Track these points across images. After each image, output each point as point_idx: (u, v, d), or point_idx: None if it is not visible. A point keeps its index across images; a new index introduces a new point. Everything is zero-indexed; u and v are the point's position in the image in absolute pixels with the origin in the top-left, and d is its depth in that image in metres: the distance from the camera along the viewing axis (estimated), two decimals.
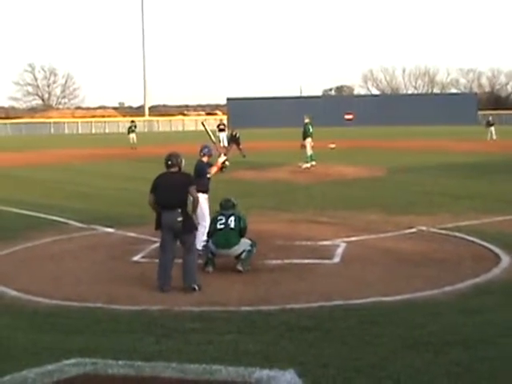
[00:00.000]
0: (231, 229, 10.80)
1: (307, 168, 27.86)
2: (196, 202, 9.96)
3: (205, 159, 12.21)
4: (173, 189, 9.69)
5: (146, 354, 6.55)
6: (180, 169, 10.04)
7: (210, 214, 11.64)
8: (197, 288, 9.56)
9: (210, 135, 12.94)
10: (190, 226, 9.84)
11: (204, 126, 13.18)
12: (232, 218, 10.88)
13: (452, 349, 6.74)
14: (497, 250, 11.58)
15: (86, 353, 6.52)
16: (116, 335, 7.52)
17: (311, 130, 28.98)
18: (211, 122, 78.63)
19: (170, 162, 9.94)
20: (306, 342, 7.10)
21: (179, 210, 9.63)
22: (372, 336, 7.23)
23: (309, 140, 28.77)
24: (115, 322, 8.12)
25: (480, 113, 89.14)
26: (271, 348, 6.87)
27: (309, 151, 28.62)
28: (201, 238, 11.15)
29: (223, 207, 11.21)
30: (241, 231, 10.86)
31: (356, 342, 7.07)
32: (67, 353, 6.48)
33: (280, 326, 7.72)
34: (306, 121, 29.35)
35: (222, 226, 10.82)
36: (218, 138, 39.90)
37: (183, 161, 10.11)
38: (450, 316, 8.13)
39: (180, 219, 9.60)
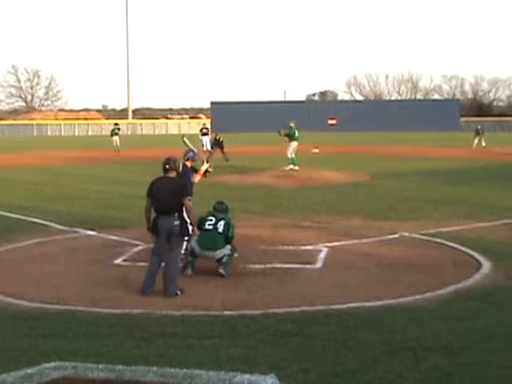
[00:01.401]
0: (219, 233, 10.75)
1: (291, 170, 27.90)
2: (189, 213, 9.93)
3: (189, 164, 12.20)
4: (170, 195, 9.66)
5: (127, 358, 6.52)
6: (178, 173, 10.06)
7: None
8: (179, 293, 9.55)
9: (190, 148, 12.76)
10: (184, 231, 9.87)
11: (185, 142, 13.08)
12: (222, 223, 10.84)
13: (433, 354, 6.76)
14: (478, 255, 11.65)
15: (66, 356, 6.48)
16: (97, 339, 7.47)
17: (297, 134, 29.09)
18: (194, 126, 78.78)
19: (167, 166, 9.87)
20: (287, 346, 7.09)
21: (176, 215, 9.66)
22: (353, 341, 7.24)
23: (294, 144, 28.87)
24: (96, 325, 8.07)
25: (463, 119, 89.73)
26: (252, 353, 6.86)
27: (290, 154, 28.68)
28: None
29: (216, 209, 11.21)
30: (227, 238, 10.82)
31: (337, 347, 7.08)
32: (47, 356, 6.44)
33: (261, 330, 7.71)
34: (291, 125, 29.46)
35: (211, 227, 10.77)
36: (200, 141, 39.91)
37: (180, 165, 10.15)
38: (430, 322, 8.15)
39: (177, 223, 9.64)
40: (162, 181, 9.90)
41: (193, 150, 12.59)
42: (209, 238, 10.68)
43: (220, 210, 11.18)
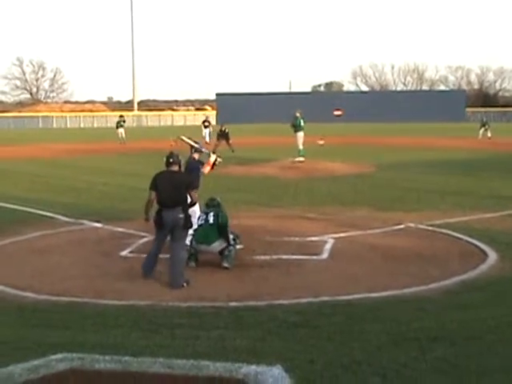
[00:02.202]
0: (210, 225, 10.79)
1: (299, 161, 27.86)
2: (194, 204, 10.07)
3: (196, 156, 12.21)
4: (174, 188, 9.79)
5: (134, 349, 6.53)
6: (180, 167, 10.24)
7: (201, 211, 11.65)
8: (185, 285, 9.58)
9: (192, 144, 12.68)
10: (188, 223, 9.93)
11: (184, 140, 13.00)
12: (211, 214, 10.89)
13: (438, 345, 6.76)
14: (484, 246, 11.64)
15: (72, 348, 6.49)
16: (103, 330, 7.50)
17: (302, 123, 28.98)
18: (199, 118, 78.76)
19: (171, 160, 10.02)
20: (293, 337, 7.11)
21: (180, 208, 9.73)
22: (359, 332, 7.25)
23: (301, 134, 28.80)
24: (102, 316, 8.10)
25: (468, 110, 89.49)
26: (258, 344, 6.87)
27: (300, 145, 28.66)
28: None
29: (208, 205, 11.25)
30: (219, 228, 10.83)
31: (343, 338, 7.09)
32: (54, 348, 6.45)
33: (268, 321, 7.73)
34: (297, 115, 29.39)
35: (202, 222, 10.86)
36: (202, 133, 40.01)
37: (182, 160, 10.36)
38: (436, 312, 8.15)
39: (182, 216, 9.72)
40: (166, 175, 10.01)
41: (197, 142, 12.58)
42: (201, 232, 10.72)
43: (211, 206, 11.20)
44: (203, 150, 12.57)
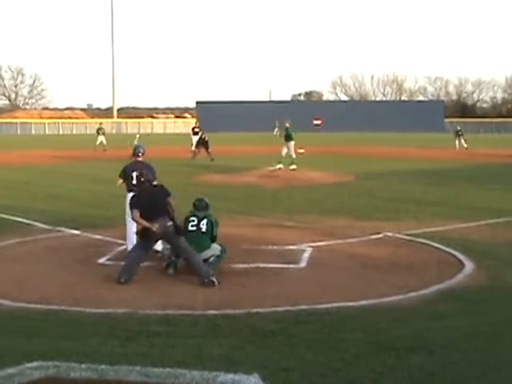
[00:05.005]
0: (203, 232, 10.69)
1: (292, 169, 28.47)
2: (173, 211, 10.26)
3: (141, 158, 12.17)
4: (155, 202, 10.17)
5: (110, 358, 6.49)
6: (153, 183, 10.69)
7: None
8: (215, 282, 9.82)
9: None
10: (179, 230, 10.19)
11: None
12: (204, 222, 10.76)
13: (416, 354, 6.78)
14: (460, 256, 11.70)
15: (48, 356, 6.44)
16: (79, 338, 7.43)
17: (293, 134, 29.96)
18: (179, 125, 78.72)
19: (142, 179, 10.61)
20: (270, 346, 7.09)
21: (166, 216, 10.07)
22: (336, 341, 7.25)
23: (292, 143, 29.63)
24: (79, 324, 8.04)
25: (447, 120, 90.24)
26: (236, 352, 6.85)
27: (293, 154, 29.60)
28: (132, 238, 11.43)
29: (197, 207, 11.01)
30: (212, 237, 10.79)
31: (320, 346, 7.09)
32: (29, 356, 6.40)
33: (245, 330, 7.71)
34: (287, 125, 30.28)
35: (194, 228, 10.69)
36: (191, 141, 39.40)
37: (155, 172, 11.04)
38: (414, 321, 8.18)
39: (170, 224, 10.06)
40: (145, 192, 10.44)
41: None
42: (193, 240, 10.49)
43: (200, 208, 11.02)
44: (145, 151, 12.47)
